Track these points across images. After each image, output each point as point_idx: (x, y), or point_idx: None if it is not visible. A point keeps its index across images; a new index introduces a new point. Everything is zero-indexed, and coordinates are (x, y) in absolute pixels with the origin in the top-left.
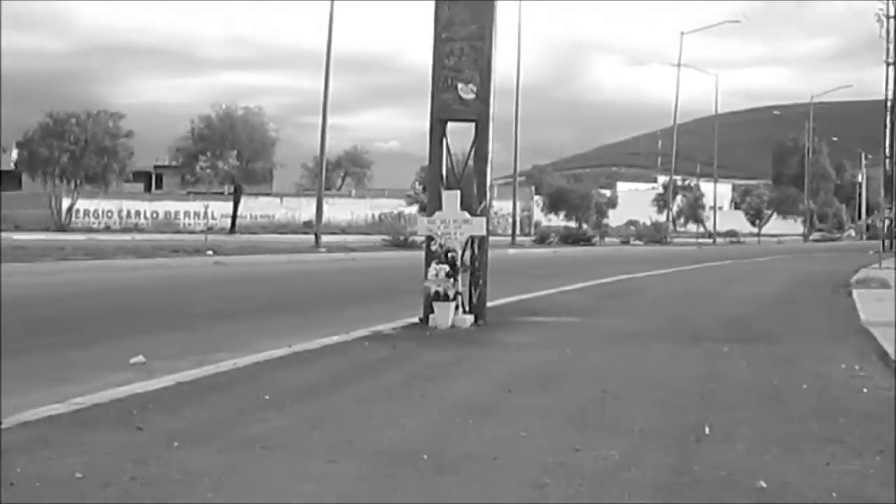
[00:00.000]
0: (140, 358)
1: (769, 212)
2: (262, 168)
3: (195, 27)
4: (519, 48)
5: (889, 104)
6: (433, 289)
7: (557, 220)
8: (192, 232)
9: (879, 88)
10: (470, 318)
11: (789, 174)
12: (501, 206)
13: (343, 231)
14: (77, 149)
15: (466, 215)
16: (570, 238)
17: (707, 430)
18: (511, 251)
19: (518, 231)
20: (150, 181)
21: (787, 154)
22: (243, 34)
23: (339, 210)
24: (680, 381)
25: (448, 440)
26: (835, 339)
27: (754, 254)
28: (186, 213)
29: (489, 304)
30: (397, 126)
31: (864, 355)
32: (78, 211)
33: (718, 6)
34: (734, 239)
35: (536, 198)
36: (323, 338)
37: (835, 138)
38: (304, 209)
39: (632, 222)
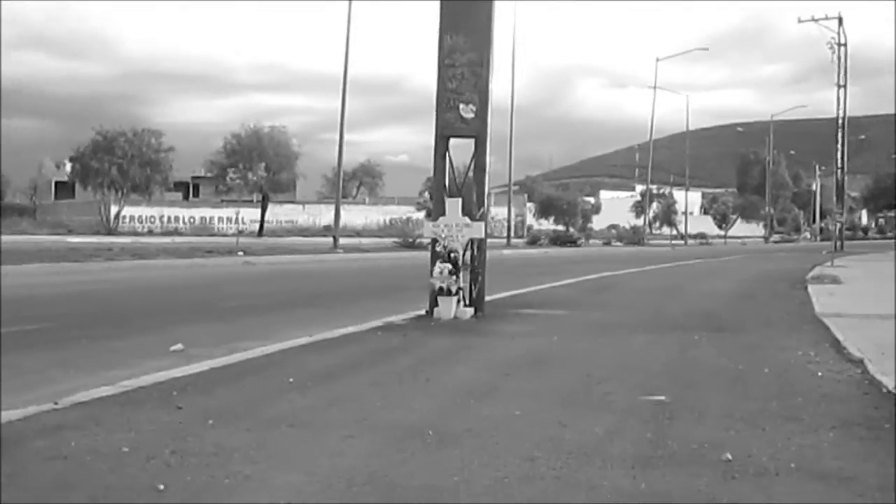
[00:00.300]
0: (179, 346)
1: (734, 216)
2: (286, 179)
3: (227, 55)
4: (513, 72)
5: (840, 122)
6: (438, 285)
7: (547, 225)
8: (224, 235)
9: (831, 108)
10: (470, 311)
11: (752, 183)
12: (497, 212)
13: (358, 234)
14: (124, 162)
15: (467, 220)
16: (558, 240)
17: (665, 398)
18: (506, 252)
19: (512, 234)
20: (188, 190)
21: (750, 166)
22: (270, 61)
23: (354, 216)
24: (655, 365)
25: (451, 418)
26: (792, 329)
27: (721, 254)
28: (220, 219)
29: (487, 298)
30: (406, 141)
31: (818, 343)
32: (124, 217)
33: (690, 34)
34: (703, 240)
35: (529, 204)
36: (341, 328)
37: (792, 152)
38: (324, 215)
39: (613, 226)
